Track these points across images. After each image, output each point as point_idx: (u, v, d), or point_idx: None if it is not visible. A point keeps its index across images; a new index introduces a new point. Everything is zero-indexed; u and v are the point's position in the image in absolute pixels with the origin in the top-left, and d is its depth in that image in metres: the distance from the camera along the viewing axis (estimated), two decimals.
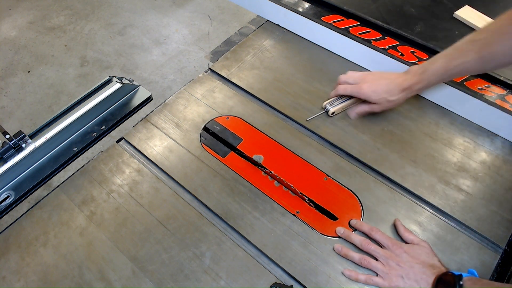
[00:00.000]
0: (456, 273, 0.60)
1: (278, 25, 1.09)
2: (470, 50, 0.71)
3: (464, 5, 1.02)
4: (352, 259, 0.68)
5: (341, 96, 0.87)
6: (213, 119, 0.89)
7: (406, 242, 0.68)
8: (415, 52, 0.91)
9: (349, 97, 0.87)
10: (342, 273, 0.67)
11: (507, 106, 0.80)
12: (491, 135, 0.85)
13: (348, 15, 1.00)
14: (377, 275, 0.65)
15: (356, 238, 0.69)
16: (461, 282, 0.57)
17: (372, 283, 0.65)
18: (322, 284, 0.66)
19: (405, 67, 0.88)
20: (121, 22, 2.68)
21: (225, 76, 0.97)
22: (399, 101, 0.80)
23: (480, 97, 0.82)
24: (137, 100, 0.95)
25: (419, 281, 0.62)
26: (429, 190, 0.76)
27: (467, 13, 1.00)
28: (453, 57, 0.73)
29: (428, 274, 0.62)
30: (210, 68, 0.99)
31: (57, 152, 0.86)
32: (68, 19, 2.70)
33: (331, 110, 0.86)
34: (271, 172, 0.78)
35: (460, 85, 0.84)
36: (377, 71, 0.87)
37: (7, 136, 0.79)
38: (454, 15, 1.01)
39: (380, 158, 0.81)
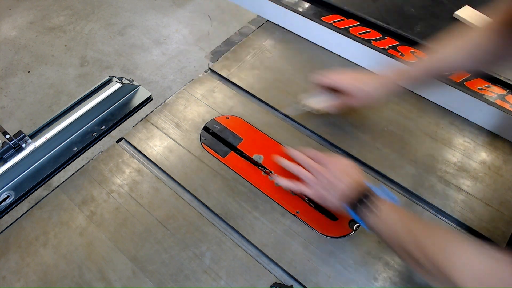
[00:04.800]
0: (372, 187, 0.64)
1: (278, 25, 1.09)
2: (417, 66, 0.74)
3: (464, 5, 1.02)
4: (290, 170, 0.75)
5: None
6: (213, 118, 0.89)
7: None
8: (415, 52, 0.91)
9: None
10: (276, 183, 0.75)
11: (507, 106, 0.80)
12: (491, 135, 0.85)
13: (348, 15, 1.00)
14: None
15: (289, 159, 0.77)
16: (374, 200, 0.61)
17: (298, 190, 0.72)
18: (322, 284, 0.66)
19: (405, 67, 0.88)
20: (121, 22, 2.68)
21: (225, 76, 0.97)
22: (378, 94, 0.77)
23: (480, 97, 0.82)
24: (137, 100, 0.95)
25: (342, 195, 0.66)
26: (429, 190, 0.76)
27: (467, 13, 1.00)
28: (402, 73, 0.75)
29: (353, 190, 0.65)
30: (210, 68, 0.99)
31: (57, 152, 0.86)
32: (68, 19, 2.70)
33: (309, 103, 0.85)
34: (271, 172, 0.78)
35: (460, 85, 0.84)
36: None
37: (7, 136, 0.79)
38: (454, 15, 1.01)
39: (380, 158, 0.81)
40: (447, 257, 0.49)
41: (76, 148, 0.86)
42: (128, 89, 0.95)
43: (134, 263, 0.69)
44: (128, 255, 0.70)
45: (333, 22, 0.99)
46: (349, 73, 0.80)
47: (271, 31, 1.07)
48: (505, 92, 0.83)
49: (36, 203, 0.77)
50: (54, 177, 0.84)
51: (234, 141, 0.85)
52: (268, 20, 1.10)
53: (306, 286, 0.66)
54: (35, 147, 0.82)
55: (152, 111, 0.91)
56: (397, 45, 0.93)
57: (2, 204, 0.78)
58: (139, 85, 0.97)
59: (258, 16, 1.13)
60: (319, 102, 0.84)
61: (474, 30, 0.71)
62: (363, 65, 0.97)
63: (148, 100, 0.96)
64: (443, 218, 0.73)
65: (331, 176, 0.68)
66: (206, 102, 0.92)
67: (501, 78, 0.85)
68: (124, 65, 2.40)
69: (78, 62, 2.43)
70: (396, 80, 0.76)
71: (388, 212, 0.60)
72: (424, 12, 1.03)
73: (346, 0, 1.03)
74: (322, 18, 0.99)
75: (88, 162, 0.83)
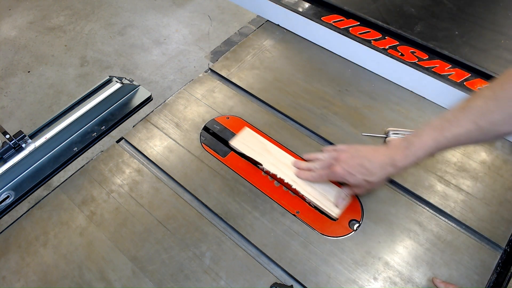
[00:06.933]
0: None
1: (278, 25, 1.09)
2: (465, 119, 0.60)
3: (464, 5, 1.02)
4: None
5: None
6: (213, 118, 0.89)
7: None
8: (415, 52, 0.91)
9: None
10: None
11: None
12: None
13: (348, 15, 1.00)
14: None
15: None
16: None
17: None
18: (322, 284, 0.66)
19: (406, 67, 0.88)
20: (121, 22, 2.68)
21: (225, 76, 0.97)
22: (381, 181, 0.68)
23: None
24: (137, 100, 0.95)
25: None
26: (429, 190, 0.76)
27: None
28: (444, 128, 0.61)
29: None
30: (210, 68, 0.99)
31: (57, 152, 0.86)
32: (68, 19, 2.70)
33: (390, 138, 0.81)
34: (271, 172, 0.78)
35: (460, 85, 0.84)
36: (353, 146, 0.72)
37: (7, 136, 0.79)
38: None
39: None
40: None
41: (76, 148, 0.86)
42: (128, 89, 0.95)
43: (134, 263, 0.69)
44: (128, 255, 0.70)
45: (333, 22, 0.99)
46: (344, 156, 0.71)
47: (271, 31, 1.07)
48: None
49: (36, 203, 0.77)
50: (54, 177, 0.84)
51: None
52: (268, 20, 1.10)
53: (306, 286, 0.66)
54: (35, 147, 0.82)
55: (152, 111, 0.91)
56: (397, 45, 0.93)
57: (2, 204, 0.78)
58: (139, 85, 0.97)
59: (258, 16, 1.13)
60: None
61: None
62: (364, 65, 0.97)
63: (148, 100, 0.96)
64: (443, 218, 0.73)
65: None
66: (206, 102, 0.92)
67: None
68: (124, 65, 2.40)
69: (78, 62, 2.43)
70: (401, 162, 0.65)
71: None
72: (424, 12, 1.03)
73: (346, 0, 1.03)
74: (322, 18, 0.99)
75: (88, 162, 0.83)
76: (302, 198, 0.75)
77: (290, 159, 0.79)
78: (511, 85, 0.57)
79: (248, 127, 0.86)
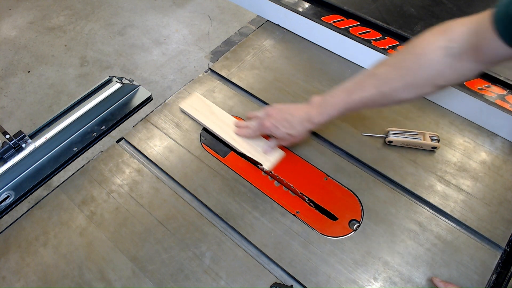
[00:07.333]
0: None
1: (278, 25, 1.09)
2: (370, 84, 0.66)
3: (464, 5, 1.02)
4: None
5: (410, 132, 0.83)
6: None
7: None
8: None
9: (417, 134, 0.82)
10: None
11: (507, 106, 0.80)
12: (491, 135, 0.85)
13: (348, 15, 1.00)
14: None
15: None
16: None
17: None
18: (322, 284, 0.66)
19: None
20: (121, 22, 2.67)
21: (225, 76, 0.97)
22: (301, 134, 0.75)
23: (480, 97, 0.82)
24: (137, 100, 0.95)
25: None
26: (429, 190, 0.76)
27: None
28: (352, 90, 0.68)
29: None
30: (210, 68, 0.99)
31: (57, 152, 0.86)
32: (68, 19, 2.70)
33: (390, 138, 0.82)
34: (271, 172, 0.78)
35: (460, 85, 0.84)
36: (284, 104, 0.78)
37: (7, 136, 0.79)
38: None
39: (380, 158, 0.81)
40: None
41: (76, 148, 0.86)
42: (128, 89, 0.95)
43: (134, 263, 0.69)
44: (128, 255, 0.70)
45: (333, 22, 0.99)
46: (273, 112, 0.77)
47: (271, 31, 1.07)
48: (505, 92, 0.83)
49: (36, 203, 0.77)
50: (54, 177, 0.84)
51: None
52: (268, 20, 1.10)
53: (306, 286, 0.66)
54: (35, 147, 0.82)
55: (152, 111, 0.91)
56: (397, 45, 0.93)
57: (2, 204, 0.78)
58: (139, 85, 0.97)
59: (258, 16, 1.13)
60: (401, 143, 0.81)
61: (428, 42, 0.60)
62: (364, 65, 0.97)
63: (148, 100, 0.96)
64: (443, 218, 0.73)
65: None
66: None
67: (501, 78, 0.84)
68: (124, 65, 2.40)
69: (78, 62, 2.43)
70: (317, 118, 0.72)
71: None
72: (424, 12, 1.03)
73: (346, 0, 1.03)
74: (322, 18, 0.99)
75: (88, 162, 0.83)
76: (302, 198, 0.75)
77: (232, 119, 0.86)
78: (412, 56, 0.62)
79: None
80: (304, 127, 0.74)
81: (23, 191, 0.79)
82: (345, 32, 0.96)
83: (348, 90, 0.69)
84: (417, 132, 0.82)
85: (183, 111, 0.89)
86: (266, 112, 0.78)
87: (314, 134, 0.86)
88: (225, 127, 0.84)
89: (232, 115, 0.87)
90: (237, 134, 0.83)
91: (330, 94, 0.71)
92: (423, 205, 0.75)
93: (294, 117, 0.74)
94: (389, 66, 0.65)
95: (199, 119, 0.86)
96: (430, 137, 0.81)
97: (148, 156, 0.83)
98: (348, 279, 0.67)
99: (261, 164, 0.79)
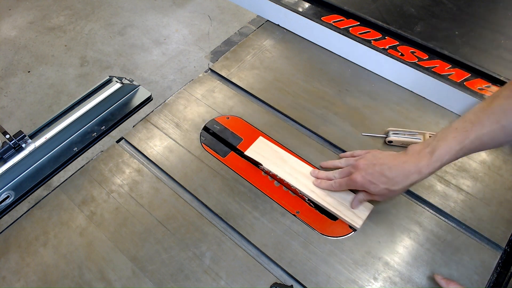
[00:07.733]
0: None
1: (278, 25, 1.09)
2: (487, 120, 0.58)
3: (464, 5, 1.02)
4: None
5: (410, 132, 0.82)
6: (213, 118, 0.89)
7: None
8: (415, 52, 0.91)
9: (417, 134, 0.81)
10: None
11: None
12: None
13: (348, 15, 1.00)
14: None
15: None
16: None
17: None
18: (322, 284, 0.66)
19: (406, 67, 0.88)
20: (121, 22, 2.68)
21: (225, 76, 0.97)
22: (404, 189, 0.65)
23: (480, 97, 0.82)
24: (137, 100, 0.95)
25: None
26: (429, 190, 0.76)
27: None
28: (467, 130, 0.59)
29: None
30: (210, 68, 0.99)
31: (57, 152, 0.86)
32: (68, 19, 2.70)
33: (390, 138, 0.81)
34: (271, 172, 0.78)
35: (460, 85, 0.84)
36: (371, 152, 0.71)
37: (7, 136, 0.79)
38: None
39: None
40: None
41: (76, 148, 0.86)
42: (128, 89, 0.95)
43: (134, 263, 0.69)
44: (128, 255, 0.70)
45: (333, 22, 0.99)
46: (362, 163, 0.68)
47: (271, 31, 1.07)
48: None
49: (36, 203, 0.77)
50: (54, 177, 0.84)
51: (234, 141, 0.85)
52: (268, 20, 1.10)
53: (306, 286, 0.66)
54: (35, 147, 0.82)
55: (152, 111, 0.91)
56: (397, 45, 0.93)
57: (2, 204, 0.78)
58: (139, 85, 0.97)
59: (258, 16, 1.13)
60: (401, 143, 0.81)
61: None
62: (364, 65, 0.97)
63: (148, 100, 0.96)
64: (443, 218, 0.73)
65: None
66: (206, 102, 0.92)
67: (501, 78, 0.84)
68: (124, 65, 2.40)
69: (78, 62, 2.43)
70: (427, 168, 0.62)
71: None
72: (424, 12, 1.03)
73: (346, 0, 1.03)
74: (322, 18, 0.99)
75: (88, 162, 0.83)
76: (302, 198, 0.75)
77: (306, 168, 0.77)
78: None
79: (248, 127, 0.86)
80: (411, 181, 0.63)
81: (23, 191, 0.79)
82: (345, 32, 0.96)
83: (462, 129, 0.60)
84: (417, 132, 0.82)
85: (248, 159, 0.81)
86: (353, 165, 0.70)
87: (314, 133, 0.86)
88: (300, 177, 0.76)
89: (234, 116, 0.87)
90: (317, 186, 0.74)
91: (438, 138, 0.62)
92: (423, 205, 0.75)
93: (394, 170, 0.64)
94: (506, 97, 0.58)
95: (269, 168, 0.77)
96: (430, 137, 0.81)
97: (148, 156, 0.83)
98: (348, 279, 0.67)
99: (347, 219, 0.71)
